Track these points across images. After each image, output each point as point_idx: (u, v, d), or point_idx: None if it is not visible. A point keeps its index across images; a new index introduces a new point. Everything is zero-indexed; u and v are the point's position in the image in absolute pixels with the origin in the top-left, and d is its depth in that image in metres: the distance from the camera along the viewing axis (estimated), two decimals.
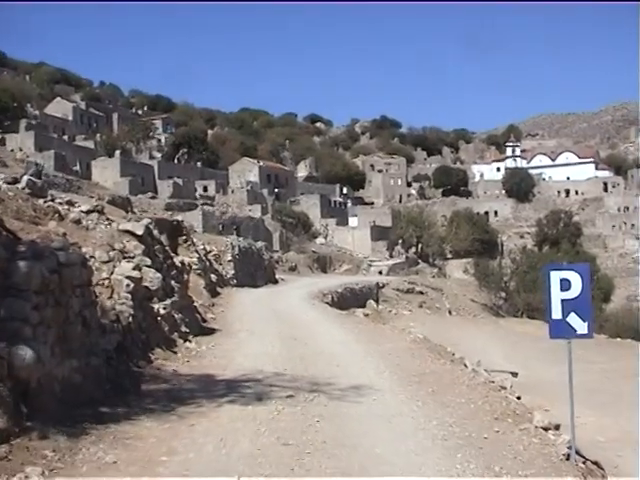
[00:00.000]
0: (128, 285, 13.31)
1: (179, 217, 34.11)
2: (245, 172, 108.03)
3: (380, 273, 69.01)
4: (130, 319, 12.78)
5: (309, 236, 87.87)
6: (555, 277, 8.94)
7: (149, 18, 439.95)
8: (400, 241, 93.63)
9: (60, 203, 16.71)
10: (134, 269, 13.82)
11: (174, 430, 8.75)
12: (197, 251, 31.43)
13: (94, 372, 10.10)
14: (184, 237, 30.75)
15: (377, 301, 45.63)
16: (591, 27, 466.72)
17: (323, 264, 72.90)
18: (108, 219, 17.27)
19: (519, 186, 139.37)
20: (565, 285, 8.89)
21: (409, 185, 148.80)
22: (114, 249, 14.86)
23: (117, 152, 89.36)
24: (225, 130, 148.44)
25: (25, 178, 15.85)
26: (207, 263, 33.14)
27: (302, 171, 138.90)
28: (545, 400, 20.31)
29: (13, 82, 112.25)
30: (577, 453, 8.96)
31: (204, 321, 21.23)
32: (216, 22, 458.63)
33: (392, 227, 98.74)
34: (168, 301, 16.37)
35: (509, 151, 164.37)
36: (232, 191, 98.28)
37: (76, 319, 9.77)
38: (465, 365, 16.37)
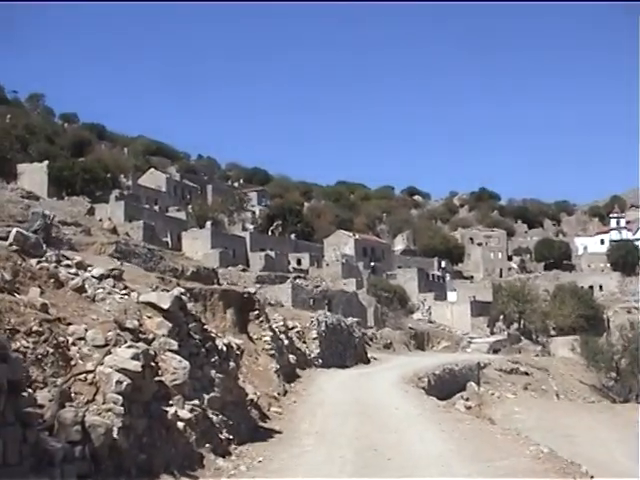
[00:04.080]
0: (119, 382, 8.99)
1: (252, 289, 30.09)
2: (340, 245, 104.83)
3: (495, 352, 63.70)
4: (115, 434, 8.46)
5: (406, 311, 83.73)
6: None
7: (247, 93, 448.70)
8: (501, 317, 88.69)
9: (68, 265, 12.78)
10: (134, 358, 9.50)
11: None
12: (271, 328, 27.30)
13: None
14: (256, 312, 26.72)
15: (478, 383, 42.47)
16: None
17: (420, 341, 68.64)
18: (126, 287, 13.15)
19: (625, 259, 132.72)
20: None
21: (510, 259, 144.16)
22: (123, 328, 10.73)
23: (208, 223, 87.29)
24: (321, 203, 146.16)
25: (13, 232, 11.93)
26: (285, 341, 29.13)
27: (399, 244, 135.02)
28: None
29: (109, 154, 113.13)
30: None
31: (264, 418, 16.80)
32: (312, 99, 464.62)
33: (492, 302, 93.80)
34: (202, 399, 12.04)
35: (613, 222, 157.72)
36: (327, 264, 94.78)
37: None
38: None
